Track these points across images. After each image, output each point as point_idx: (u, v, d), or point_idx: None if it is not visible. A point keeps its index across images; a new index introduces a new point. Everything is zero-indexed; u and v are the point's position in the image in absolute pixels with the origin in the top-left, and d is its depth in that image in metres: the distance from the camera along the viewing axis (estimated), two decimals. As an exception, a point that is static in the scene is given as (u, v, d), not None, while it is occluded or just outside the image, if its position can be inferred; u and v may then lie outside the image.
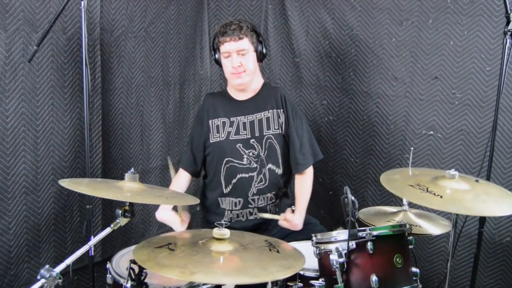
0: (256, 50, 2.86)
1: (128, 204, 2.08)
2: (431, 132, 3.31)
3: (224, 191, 2.89)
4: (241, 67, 2.81)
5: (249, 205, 2.89)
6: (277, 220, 2.90)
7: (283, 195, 2.99)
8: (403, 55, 3.34)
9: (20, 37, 2.66)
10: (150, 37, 3.37)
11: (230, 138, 2.88)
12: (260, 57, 2.91)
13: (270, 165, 2.89)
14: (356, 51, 3.49)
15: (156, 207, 2.90)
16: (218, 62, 2.92)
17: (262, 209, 2.91)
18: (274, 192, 2.91)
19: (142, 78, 3.37)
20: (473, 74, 3.15)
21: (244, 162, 2.86)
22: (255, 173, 2.86)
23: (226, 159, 2.86)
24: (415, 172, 2.48)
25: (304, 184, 2.96)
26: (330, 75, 3.61)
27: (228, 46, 2.79)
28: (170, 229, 2.83)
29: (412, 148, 2.95)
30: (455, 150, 3.26)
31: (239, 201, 2.89)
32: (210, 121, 2.91)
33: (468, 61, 3.16)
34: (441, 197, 2.14)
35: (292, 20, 3.65)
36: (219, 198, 2.92)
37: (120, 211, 2.07)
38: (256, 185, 2.87)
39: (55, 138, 2.90)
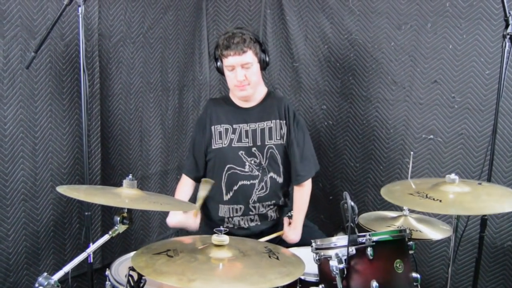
0: (259, 61, 2.83)
1: (126, 211, 2.07)
2: (431, 136, 3.30)
3: (224, 198, 2.88)
4: (245, 80, 2.78)
5: (250, 212, 2.88)
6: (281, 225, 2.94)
7: (283, 205, 2.98)
8: (402, 59, 3.33)
9: (18, 43, 2.65)
10: (148, 43, 3.37)
11: (233, 145, 2.86)
12: (264, 66, 2.89)
13: (271, 174, 2.88)
14: (355, 55, 3.48)
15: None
16: (219, 71, 2.90)
17: (263, 216, 2.90)
18: (274, 201, 2.90)
19: (141, 84, 3.37)
20: (473, 77, 3.14)
21: (246, 170, 2.85)
22: (256, 181, 2.86)
23: (228, 165, 2.85)
24: (416, 182, 2.47)
25: (301, 197, 2.95)
26: (329, 79, 3.61)
27: (232, 60, 2.75)
28: (182, 233, 2.82)
29: (412, 153, 2.94)
30: (455, 154, 3.25)
31: (240, 208, 2.87)
32: (212, 127, 2.89)
33: (467, 64, 3.15)
34: (440, 201, 2.13)
35: (291, 25, 3.64)
36: (219, 205, 2.91)
37: (118, 218, 2.06)
38: (257, 193, 2.86)
39: (53, 145, 2.89)
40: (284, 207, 3.00)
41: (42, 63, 2.78)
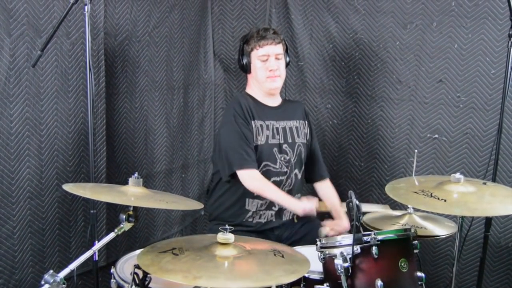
0: (285, 58, 2.97)
1: (132, 208, 2.08)
2: (436, 136, 3.30)
3: (255, 193, 2.88)
4: (277, 70, 2.90)
5: (273, 207, 2.91)
6: (292, 224, 2.99)
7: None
8: (407, 58, 3.33)
9: (24, 42, 2.66)
10: (154, 42, 3.37)
11: (269, 142, 2.91)
12: (286, 66, 3.00)
13: (296, 171, 2.96)
14: (360, 54, 3.48)
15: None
16: (245, 68, 2.96)
17: (279, 214, 2.94)
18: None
19: (146, 83, 3.37)
20: (478, 77, 3.14)
21: (277, 166, 2.90)
22: (284, 177, 2.92)
23: (264, 162, 2.88)
24: (420, 179, 2.47)
25: (332, 187, 3.08)
26: (334, 78, 3.61)
27: (268, 49, 2.88)
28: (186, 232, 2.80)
29: (416, 151, 2.94)
30: (460, 154, 3.24)
31: (265, 202, 2.90)
32: (253, 122, 2.90)
33: (472, 64, 3.15)
34: (445, 200, 2.13)
35: (296, 23, 3.64)
36: (247, 199, 2.90)
37: (124, 216, 2.07)
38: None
39: (59, 143, 2.90)
40: None
41: (48, 62, 2.79)
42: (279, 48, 2.90)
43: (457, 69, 3.19)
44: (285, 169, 2.91)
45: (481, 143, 3.18)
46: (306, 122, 3.07)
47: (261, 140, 2.88)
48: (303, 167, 3.03)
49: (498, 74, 3.08)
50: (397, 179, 3.34)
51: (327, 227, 2.78)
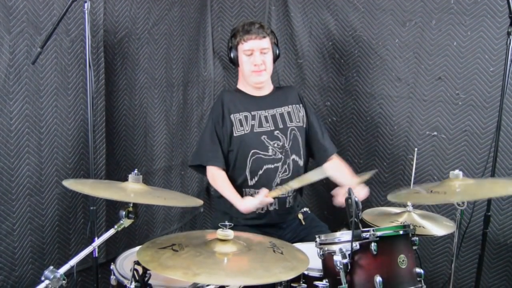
0: (273, 51, 2.97)
1: (131, 205, 2.08)
2: (435, 133, 3.30)
3: (249, 183, 2.91)
4: (262, 65, 2.92)
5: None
6: (295, 220, 3.00)
7: (298, 191, 3.03)
8: (406, 56, 3.34)
9: (24, 39, 2.66)
10: (153, 39, 3.37)
11: (255, 130, 2.93)
12: (275, 58, 3.01)
13: (293, 156, 2.95)
14: (360, 52, 3.48)
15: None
16: (233, 61, 2.99)
17: (282, 201, 2.91)
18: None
19: (146, 80, 3.38)
20: (477, 74, 3.15)
21: (270, 153, 2.90)
22: (279, 164, 2.91)
23: (252, 151, 2.90)
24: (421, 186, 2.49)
25: (340, 164, 2.99)
26: (334, 76, 3.61)
27: (253, 44, 2.89)
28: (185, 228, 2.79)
29: (416, 149, 2.94)
30: (459, 151, 3.25)
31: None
32: (232, 116, 2.94)
33: (471, 61, 3.15)
34: (444, 193, 2.15)
35: (295, 21, 3.65)
36: (242, 190, 2.92)
37: (124, 212, 2.07)
38: (280, 176, 2.91)
39: (59, 140, 2.90)
40: (299, 196, 3.05)
41: (48, 59, 2.79)
42: (264, 42, 2.91)
43: (456, 66, 3.20)
44: (279, 156, 2.90)
45: (480, 141, 3.19)
46: (301, 105, 3.06)
47: (243, 130, 2.91)
48: (304, 152, 2.99)
49: (497, 72, 3.08)
50: (396, 176, 3.39)
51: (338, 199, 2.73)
